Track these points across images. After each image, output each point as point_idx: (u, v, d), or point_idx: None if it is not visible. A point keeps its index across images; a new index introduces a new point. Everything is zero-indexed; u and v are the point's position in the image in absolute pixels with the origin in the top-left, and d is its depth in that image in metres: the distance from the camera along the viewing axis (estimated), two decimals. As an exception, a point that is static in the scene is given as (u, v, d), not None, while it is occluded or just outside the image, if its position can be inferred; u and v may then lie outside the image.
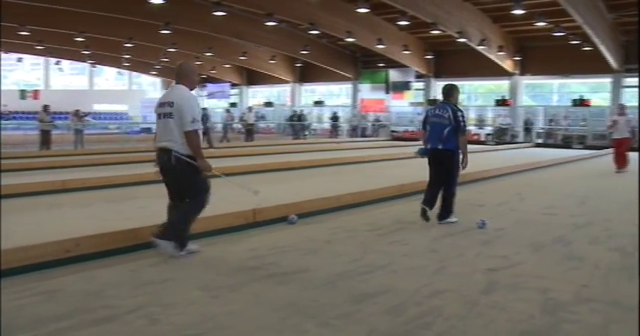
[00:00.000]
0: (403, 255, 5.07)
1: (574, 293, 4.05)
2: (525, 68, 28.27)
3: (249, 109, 27.47)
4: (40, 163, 12.06)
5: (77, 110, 21.01)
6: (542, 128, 27.64)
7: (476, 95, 32.09)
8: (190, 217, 4.86)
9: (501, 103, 28.49)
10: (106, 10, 22.66)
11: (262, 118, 37.31)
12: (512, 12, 20.54)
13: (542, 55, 26.98)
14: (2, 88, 36.86)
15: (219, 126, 26.55)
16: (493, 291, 4.08)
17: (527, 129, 27.34)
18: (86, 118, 22.84)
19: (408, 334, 3.27)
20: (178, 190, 4.88)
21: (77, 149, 18.28)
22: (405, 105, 33.08)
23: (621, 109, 13.58)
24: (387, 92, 33.14)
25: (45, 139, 18.06)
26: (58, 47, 33.26)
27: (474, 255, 5.12)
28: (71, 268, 4.46)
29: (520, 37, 27.32)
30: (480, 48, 24.98)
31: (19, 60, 39.03)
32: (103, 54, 35.22)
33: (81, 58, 37.50)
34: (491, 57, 26.32)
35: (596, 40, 21.88)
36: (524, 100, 29.71)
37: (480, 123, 28.92)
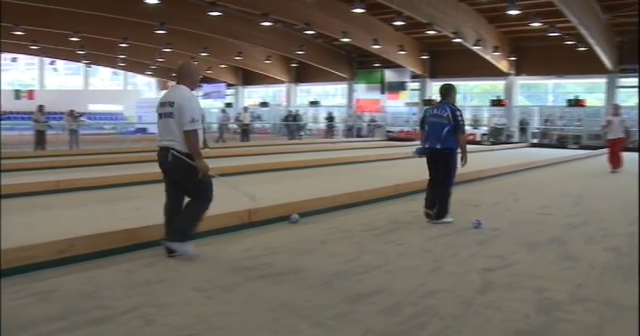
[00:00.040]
0: (399, 255, 5.07)
1: (569, 293, 4.05)
2: (521, 68, 28.35)
3: (245, 109, 27.43)
4: (34, 164, 12.00)
5: (72, 110, 20.94)
6: (538, 128, 27.72)
7: (471, 95, 32.15)
8: (198, 216, 4.88)
9: (497, 103, 28.56)
10: (101, 10, 22.62)
11: (258, 118, 37.29)
12: (508, 12, 20.60)
13: (538, 56, 27.07)
14: (-2, 88, 36.81)
15: (215, 126, 26.51)
16: (488, 291, 4.08)
17: (523, 129, 27.43)
18: (81, 118, 22.77)
19: (403, 334, 3.27)
20: (181, 190, 4.87)
21: (72, 149, 18.22)
22: (401, 105, 33.14)
23: (616, 110, 13.61)
24: (383, 92, 33.20)
25: (40, 139, 18.01)
26: (53, 47, 33.22)
27: (469, 255, 5.12)
28: (65, 268, 4.44)
29: (515, 38, 27.40)
30: (475, 48, 25.03)
31: (14, 60, 39.00)
32: (98, 54, 35.18)
33: (76, 58, 37.45)
34: (487, 57, 26.39)
35: (591, 40, 21.95)
36: (520, 100, 29.80)
37: (476, 123, 28.97)
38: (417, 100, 32.05)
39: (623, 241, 5.83)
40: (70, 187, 8.72)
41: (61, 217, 6.70)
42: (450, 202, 6.67)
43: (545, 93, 30.06)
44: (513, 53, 28.04)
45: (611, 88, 25.81)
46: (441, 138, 6.47)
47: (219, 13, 21.64)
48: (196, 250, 4.90)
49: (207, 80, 40.46)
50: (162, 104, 4.82)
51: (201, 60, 34.93)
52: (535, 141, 26.26)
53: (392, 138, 29.22)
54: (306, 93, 38.49)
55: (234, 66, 37.90)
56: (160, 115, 4.83)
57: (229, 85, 41.10)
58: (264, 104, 38.65)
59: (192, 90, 4.90)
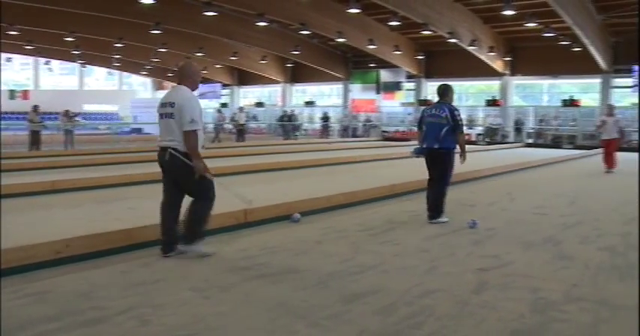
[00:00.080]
0: (394, 255, 5.08)
1: (564, 292, 4.07)
2: (516, 69, 28.41)
3: (241, 109, 27.42)
4: (29, 164, 11.98)
5: (67, 110, 20.91)
6: (533, 128, 27.78)
7: (467, 95, 32.19)
8: (204, 216, 4.91)
9: (492, 103, 28.59)
10: (96, 10, 22.57)
11: (254, 118, 37.27)
12: (503, 13, 20.63)
13: (533, 56, 27.12)
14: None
15: (211, 126, 26.48)
16: (484, 290, 4.09)
17: (518, 129, 27.49)
18: (76, 118, 22.71)
19: (398, 334, 3.27)
20: (181, 190, 4.88)
21: (67, 150, 18.19)
22: (396, 105, 33.16)
23: (610, 110, 13.64)
24: (378, 92, 33.20)
25: (34, 139, 17.98)
26: (48, 47, 33.11)
27: (465, 255, 5.14)
28: (61, 269, 4.43)
29: (510, 38, 27.44)
30: (470, 48, 25.07)
31: (9, 60, 38.82)
32: (93, 54, 35.10)
33: (71, 58, 37.36)
34: (482, 57, 26.43)
35: (585, 40, 22.02)
36: (515, 100, 29.85)
37: (471, 123, 29.00)
38: (412, 100, 32.09)
39: (617, 241, 5.86)
40: (65, 188, 8.71)
41: (56, 217, 6.69)
42: (446, 202, 6.71)
43: (540, 93, 30.13)
44: (508, 53, 28.09)
45: (606, 89, 25.88)
46: (440, 138, 6.51)
47: (215, 13, 21.61)
48: (209, 248, 4.96)
49: (203, 80, 39.81)
50: (163, 105, 4.85)
51: (197, 60, 34.81)
52: (530, 141, 26.30)
53: (387, 138, 29.22)
54: (301, 93, 38.49)
55: (229, 66, 37.87)
56: (161, 116, 4.86)
57: (225, 85, 41.07)
58: (259, 104, 38.62)
59: (193, 90, 4.93)
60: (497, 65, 27.71)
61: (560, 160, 16.86)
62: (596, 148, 18.52)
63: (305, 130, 33.99)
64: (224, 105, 38.39)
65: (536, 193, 9.56)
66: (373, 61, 31.45)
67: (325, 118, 32.02)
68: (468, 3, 23.52)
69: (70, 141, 19.31)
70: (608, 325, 3.49)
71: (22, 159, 13.62)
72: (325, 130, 31.82)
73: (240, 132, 25.31)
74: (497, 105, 28.50)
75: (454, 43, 24.63)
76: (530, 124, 28.09)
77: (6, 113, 37.73)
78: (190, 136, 4.67)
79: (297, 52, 30.20)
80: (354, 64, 34.19)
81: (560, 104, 26.91)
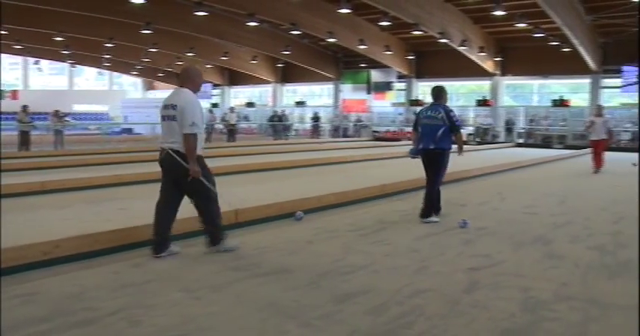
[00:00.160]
0: (385, 255, 5.09)
1: (554, 291, 4.09)
2: (506, 69, 28.52)
3: (231, 109, 27.37)
4: (18, 165, 11.91)
5: (57, 111, 20.79)
6: (523, 128, 27.89)
7: (457, 95, 32.26)
8: (214, 215, 5.01)
9: (482, 103, 28.68)
10: (86, 10, 22.44)
11: (245, 118, 37.20)
12: (493, 13, 20.71)
13: (523, 56, 27.25)
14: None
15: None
16: (474, 290, 4.11)
17: (509, 129, 27.60)
18: (66, 118, 22.58)
19: (389, 334, 3.28)
20: (182, 190, 4.91)
21: (57, 150, 18.08)
22: (387, 105, 33.22)
23: (598, 110, 13.70)
24: (369, 92, 33.24)
25: (24, 139, 17.86)
26: (37, 47, 32.90)
27: (455, 254, 5.16)
28: (51, 270, 4.41)
29: (501, 38, 27.54)
30: (461, 48, 25.14)
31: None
32: (83, 54, 34.89)
33: (60, 58, 37.15)
34: (473, 57, 26.51)
35: (574, 41, 22.13)
36: (505, 100, 29.96)
37: (462, 123, 29.03)
38: (403, 100, 32.15)
39: (607, 240, 5.90)
40: (55, 188, 8.67)
41: (46, 218, 6.65)
42: (441, 201, 6.84)
43: (530, 93, 30.25)
44: (499, 54, 28.19)
45: (595, 89, 26.03)
46: (436, 139, 6.62)
47: (206, 13, 21.56)
48: (233, 241, 5.14)
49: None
50: (165, 107, 4.90)
51: (187, 60, 34.78)
52: (521, 141, 26.40)
53: (378, 138, 29.25)
54: (292, 93, 38.46)
55: (220, 66, 37.78)
56: (163, 118, 4.91)
57: (215, 86, 40.96)
58: (250, 104, 38.55)
59: (195, 93, 4.98)
60: (488, 65, 27.81)
61: (550, 159, 16.95)
62: (585, 147, 18.62)
63: (296, 130, 33.98)
64: (215, 105, 38.26)
65: (527, 193, 9.60)
66: (364, 61, 31.49)
67: (316, 118, 32.01)
68: (459, 3, 23.59)
69: (60, 141, 19.20)
70: (597, 324, 3.51)
71: (12, 159, 13.52)
72: (316, 130, 31.81)
73: (231, 132, 25.27)
74: (488, 105, 28.60)
75: (445, 43, 24.69)
76: (520, 124, 28.21)
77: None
78: (189, 139, 4.71)
79: (287, 52, 30.17)
80: (344, 64, 34.21)
81: (550, 104, 27.06)
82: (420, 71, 31.15)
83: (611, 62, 25.00)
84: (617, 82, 25.12)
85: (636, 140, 23.98)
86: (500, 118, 28.58)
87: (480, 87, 30.63)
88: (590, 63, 24.66)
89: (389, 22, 22.79)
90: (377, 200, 8.31)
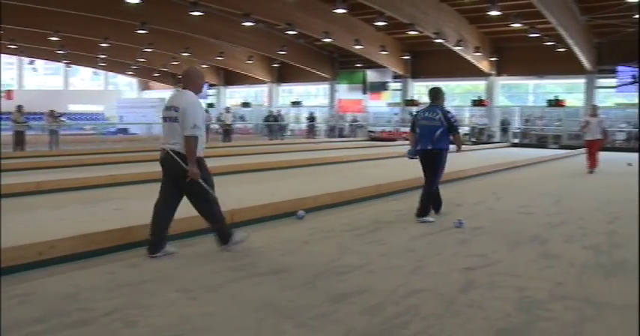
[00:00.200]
0: (381, 255, 5.09)
1: (549, 291, 4.10)
2: (501, 69, 28.58)
3: (227, 109, 27.34)
4: (13, 165, 11.87)
5: (52, 111, 20.74)
6: (519, 128, 27.94)
7: (453, 95, 32.27)
8: (216, 215, 5.04)
9: (478, 103, 28.74)
10: (81, 10, 22.40)
11: (241, 118, 37.17)
12: (489, 13, 20.75)
13: (518, 56, 27.32)
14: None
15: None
16: (470, 290, 4.11)
17: (504, 129, 27.63)
18: (61, 118, 22.52)
19: (385, 334, 3.28)
20: (182, 190, 4.93)
21: (52, 150, 18.04)
22: (383, 105, 33.26)
23: (593, 110, 13.71)
24: (365, 92, 33.27)
25: (19, 139, 17.80)
26: (32, 46, 32.81)
27: (451, 254, 5.16)
28: (46, 270, 4.40)
29: (496, 38, 27.60)
30: (456, 49, 25.19)
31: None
32: (79, 54, 34.83)
33: (56, 58, 37.06)
34: (468, 58, 26.55)
35: (569, 41, 22.20)
36: (501, 100, 30.02)
37: (459, 123, 29.04)
38: (398, 100, 32.17)
39: (602, 240, 5.91)
40: (51, 188, 8.65)
41: (41, 218, 6.64)
42: (440, 200, 6.98)
43: (525, 93, 30.33)
44: (494, 54, 28.25)
45: (590, 89, 26.12)
46: (434, 140, 6.70)
47: (201, 13, 21.55)
48: (241, 233, 5.23)
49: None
50: (167, 108, 4.93)
51: (183, 60, 34.74)
52: (516, 141, 26.46)
53: (374, 138, 29.28)
54: (288, 93, 38.46)
55: (215, 66, 37.73)
56: (165, 119, 4.94)
57: (211, 86, 40.89)
58: (245, 104, 38.54)
59: (196, 94, 5.01)
60: (483, 65, 27.86)
61: (545, 159, 16.98)
62: (580, 147, 18.68)
63: (291, 130, 33.97)
64: (210, 105, 38.26)
65: (522, 193, 9.62)
66: (360, 62, 31.50)
67: (311, 118, 32.02)
68: (454, 3, 23.63)
69: (55, 141, 19.15)
70: (592, 323, 3.52)
71: (6, 159, 13.47)
72: (312, 130, 31.81)
73: (227, 132, 25.24)
74: (483, 105, 28.66)
75: (440, 43, 24.74)
76: (516, 124, 28.27)
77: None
78: (190, 141, 4.74)
79: (283, 53, 30.18)
80: (340, 65, 34.22)
81: (545, 104, 27.13)
82: (416, 71, 31.20)
83: (605, 62, 25.09)
84: (612, 82, 25.24)
85: (631, 140, 24.10)
86: (496, 118, 28.64)
87: (476, 87, 30.68)
88: (585, 63, 24.74)
89: (384, 22, 22.82)
90: (373, 200, 8.31)
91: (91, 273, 4.39)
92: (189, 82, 5.03)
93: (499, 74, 28.75)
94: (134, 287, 4.05)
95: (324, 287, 4.11)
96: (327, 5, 22.78)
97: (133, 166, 11.56)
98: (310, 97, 37.88)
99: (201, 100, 32.16)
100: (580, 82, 26.62)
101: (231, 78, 39.80)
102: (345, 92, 34.32)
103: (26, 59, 40.57)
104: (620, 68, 24.63)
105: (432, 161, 6.78)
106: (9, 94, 41.23)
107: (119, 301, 3.73)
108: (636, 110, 24.44)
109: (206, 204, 4.97)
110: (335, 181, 10.13)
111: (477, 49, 26.40)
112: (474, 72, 28.00)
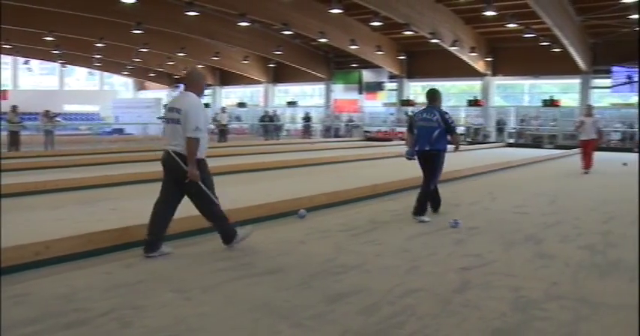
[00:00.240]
0: (376, 255, 5.10)
1: (544, 291, 4.11)
2: (497, 69, 28.61)
3: (223, 109, 27.32)
4: (8, 165, 11.82)
5: (47, 111, 20.64)
6: (514, 128, 27.99)
7: (448, 96, 32.29)
8: (218, 215, 5.10)
9: (473, 103, 28.78)
10: (76, 10, 22.32)
11: (237, 118, 37.14)
12: (484, 13, 20.76)
13: (514, 56, 27.35)
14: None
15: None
16: (466, 289, 4.12)
17: (500, 129, 27.68)
18: (57, 118, 22.45)
19: (381, 334, 3.29)
20: (183, 190, 4.95)
21: (47, 150, 17.99)
22: (378, 105, 33.26)
23: (588, 110, 13.72)
24: (360, 92, 33.27)
25: (14, 140, 17.75)
26: (27, 46, 32.68)
27: (446, 254, 5.17)
28: (42, 271, 4.39)
29: (492, 39, 27.64)
30: (452, 49, 25.20)
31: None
32: (74, 54, 34.70)
33: (51, 58, 36.94)
34: (464, 58, 26.58)
35: (565, 41, 22.24)
36: (496, 100, 30.05)
37: (456, 124, 29.03)
38: (394, 100, 32.19)
39: (597, 240, 5.93)
40: (46, 189, 8.63)
41: (36, 218, 6.62)
42: (439, 199, 7.11)
43: (521, 93, 30.36)
44: (490, 54, 28.28)
45: (585, 89, 26.17)
46: (432, 141, 6.78)
47: (197, 13, 21.51)
48: (244, 230, 5.27)
49: (183, 81, 40.15)
50: (170, 109, 4.98)
51: (178, 60, 34.73)
52: (511, 141, 26.50)
53: (369, 138, 29.26)
54: (284, 93, 38.43)
55: (211, 66, 37.67)
56: (167, 120, 4.99)
57: (206, 86, 40.81)
58: (241, 105, 38.50)
59: (199, 96, 5.06)
60: (479, 65, 27.89)
61: (540, 159, 17.01)
62: (576, 147, 18.73)
63: (287, 130, 33.96)
64: (206, 105, 37.89)
65: (517, 193, 9.64)
66: (355, 62, 31.51)
67: (307, 119, 32.01)
68: (450, 3, 23.65)
69: (51, 142, 19.10)
70: (588, 323, 3.53)
71: (1, 160, 13.43)
72: (307, 130, 31.80)
73: (223, 132, 25.22)
74: (479, 105, 28.70)
75: (436, 43, 24.75)
76: (511, 124, 28.31)
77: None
78: (192, 143, 4.78)
79: (279, 53, 30.14)
80: (336, 65, 34.22)
81: (540, 104, 27.17)
82: (412, 71, 31.21)
83: (600, 62, 25.16)
84: (607, 82, 25.31)
85: (626, 140, 24.17)
86: (491, 118, 28.69)
87: (471, 87, 30.71)
88: (580, 63, 24.79)
89: (380, 22, 22.82)
90: (368, 200, 8.32)
91: (87, 273, 4.38)
92: (192, 83, 5.08)
93: (494, 74, 28.79)
94: (130, 287, 4.04)
95: (320, 287, 4.11)
96: (322, 5, 22.77)
97: (129, 167, 11.55)
98: (306, 97, 37.87)
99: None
100: (575, 82, 26.67)
101: (226, 78, 39.75)
102: (340, 92, 34.32)
103: (21, 59, 40.40)
104: (614, 68, 24.71)
105: (431, 162, 6.86)
106: (4, 94, 41.10)
107: (115, 302, 3.72)
108: (631, 110, 24.57)
109: (206, 204, 5.01)
110: (331, 181, 10.13)
111: (472, 50, 26.43)
112: (469, 72, 28.03)
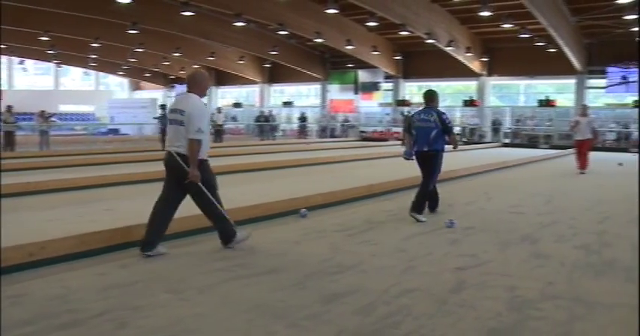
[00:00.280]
0: (372, 255, 5.09)
1: (540, 290, 4.11)
2: (493, 69, 28.68)
3: (219, 109, 27.29)
4: (3, 165, 11.77)
5: (42, 111, 20.62)
6: (510, 128, 28.04)
7: (444, 96, 32.27)
8: (218, 215, 5.10)
9: (469, 103, 28.83)
10: (72, 9, 22.27)
11: (233, 119, 37.10)
12: (480, 14, 20.81)
13: (509, 57, 27.42)
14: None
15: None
16: (461, 289, 4.12)
17: (495, 129, 27.72)
18: (52, 119, 22.40)
19: (377, 334, 3.28)
20: (184, 190, 4.98)
21: (43, 151, 17.95)
22: (374, 105, 33.30)
23: (583, 110, 13.74)
24: (356, 93, 33.32)
25: (8, 140, 17.70)
26: (22, 46, 32.59)
27: (442, 254, 5.17)
28: (36, 272, 4.37)
29: (487, 39, 27.69)
30: (448, 49, 25.24)
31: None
32: (69, 54, 34.63)
33: (46, 58, 36.84)
34: (459, 58, 26.63)
35: (560, 42, 22.31)
36: (492, 100, 30.12)
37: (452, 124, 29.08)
38: (390, 100, 32.21)
39: (592, 239, 5.94)
40: (41, 189, 8.61)
41: (31, 219, 6.59)
42: (437, 198, 7.19)
43: (516, 93, 30.43)
44: (485, 54, 28.34)
45: (580, 89, 26.26)
46: (430, 141, 6.85)
47: (192, 13, 21.50)
48: (243, 232, 5.28)
49: (181, 81, 40.15)
50: (172, 111, 5.00)
51: (174, 60, 34.70)
52: (507, 141, 26.55)
53: (365, 138, 29.30)
54: (279, 93, 38.43)
55: (207, 66, 37.57)
56: (170, 121, 5.02)
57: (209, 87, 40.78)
58: (237, 105, 38.48)
59: (201, 97, 5.08)
60: (475, 66, 27.94)
61: (536, 159, 17.05)
62: (571, 147, 18.77)
63: (283, 130, 33.96)
64: (203, 105, 38.10)
65: (513, 193, 9.65)
66: (351, 62, 31.53)
67: (303, 119, 32.01)
68: (445, 4, 23.68)
69: (46, 142, 19.04)
70: (583, 323, 3.53)
71: (1, 160, 13.41)
72: (303, 130, 31.79)
73: (218, 132, 25.19)
74: (475, 105, 28.75)
75: (432, 43, 24.78)
76: (507, 124, 28.37)
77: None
78: (194, 145, 4.81)
79: (275, 53, 30.15)
80: (332, 65, 34.24)
81: (536, 104, 27.25)
82: (407, 71, 31.25)
83: (595, 63, 25.25)
84: (602, 82, 25.39)
85: (621, 140, 24.25)
86: (487, 118, 28.73)
87: (467, 87, 30.75)
88: (576, 63, 24.87)
89: (376, 22, 22.86)
90: (365, 200, 8.32)
91: (81, 274, 4.37)
92: (195, 85, 5.08)
93: (490, 74, 28.85)
94: (125, 288, 4.03)
95: (315, 287, 4.11)
96: (318, 5, 22.78)
97: (124, 167, 11.53)
98: (302, 97, 37.86)
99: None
100: (570, 82, 26.75)
101: (222, 78, 39.70)
102: (336, 92, 34.35)
103: (16, 59, 40.30)
104: (609, 69, 24.82)
105: (429, 162, 6.92)
106: (-1, 94, 41.00)
107: (110, 303, 3.71)
108: (626, 110, 24.64)
109: (207, 205, 5.03)
110: (327, 182, 10.13)
111: (468, 50, 26.48)
112: (465, 72, 28.08)
